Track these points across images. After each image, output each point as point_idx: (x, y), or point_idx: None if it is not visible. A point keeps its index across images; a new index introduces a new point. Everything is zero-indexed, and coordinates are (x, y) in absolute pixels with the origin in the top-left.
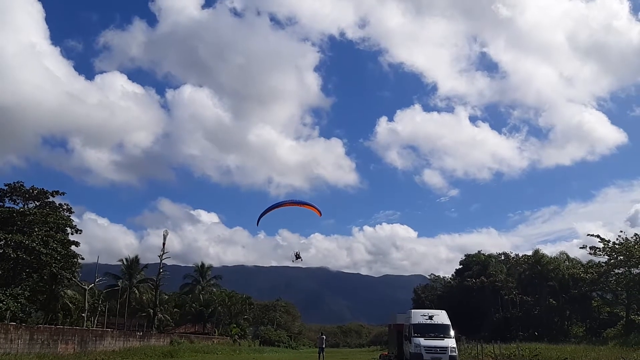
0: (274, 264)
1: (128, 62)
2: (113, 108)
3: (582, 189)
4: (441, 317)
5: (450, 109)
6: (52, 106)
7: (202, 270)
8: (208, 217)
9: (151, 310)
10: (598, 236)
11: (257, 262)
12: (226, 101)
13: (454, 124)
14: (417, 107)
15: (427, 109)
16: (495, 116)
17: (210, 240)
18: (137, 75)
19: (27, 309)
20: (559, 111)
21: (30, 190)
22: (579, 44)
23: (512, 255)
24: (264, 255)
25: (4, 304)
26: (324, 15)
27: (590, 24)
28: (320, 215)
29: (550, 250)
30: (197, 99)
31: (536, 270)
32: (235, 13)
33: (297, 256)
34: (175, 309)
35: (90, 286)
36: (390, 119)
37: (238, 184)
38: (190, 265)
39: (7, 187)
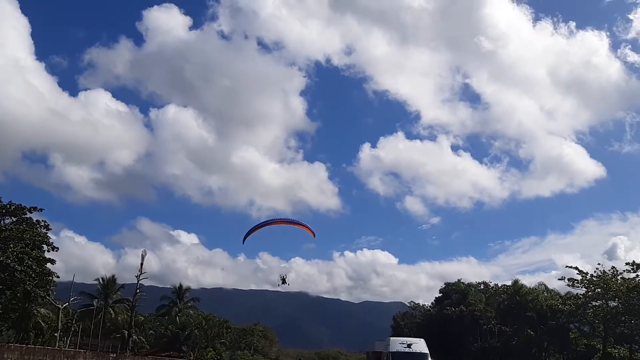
0: (253, 287)
1: (113, 80)
2: (96, 125)
3: (561, 220)
4: (419, 345)
5: (432, 138)
6: (34, 121)
7: (179, 291)
8: (188, 238)
9: (126, 332)
10: (576, 268)
11: (236, 284)
12: (210, 122)
13: (436, 153)
14: (400, 134)
15: (410, 136)
16: (477, 146)
17: (189, 261)
18: (121, 93)
19: None
20: (540, 143)
21: (8, 206)
22: (559, 79)
23: (492, 284)
24: (243, 278)
25: None
26: (310, 41)
27: (571, 59)
28: (314, 236)
29: (529, 281)
30: (181, 119)
31: (515, 301)
32: (223, 36)
33: (284, 280)
34: (151, 331)
35: (65, 305)
36: (374, 146)
37: (219, 205)
38: (168, 287)
39: None
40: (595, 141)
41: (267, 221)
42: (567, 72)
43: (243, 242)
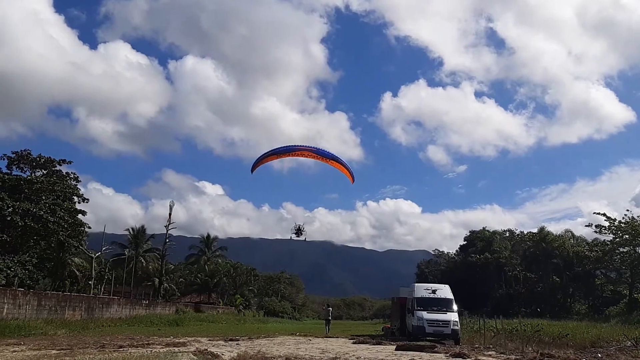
0: (278, 236)
1: (131, 31)
2: (117, 78)
3: (591, 167)
4: (444, 291)
5: (455, 84)
6: (58, 75)
7: (207, 241)
8: (213, 189)
9: (157, 280)
10: (604, 214)
11: (261, 234)
12: (230, 72)
13: (459, 100)
14: (422, 82)
15: (432, 84)
16: (502, 92)
17: (215, 211)
18: (140, 44)
19: (35, 275)
20: (566, 88)
21: (38, 159)
22: (587, 20)
23: (517, 232)
24: (268, 227)
25: (12, 271)
26: None
27: None
28: (353, 182)
29: (554, 229)
30: (200, 70)
31: (541, 248)
32: None
33: (299, 231)
34: (181, 279)
35: (97, 254)
36: (395, 95)
37: (241, 156)
38: (196, 236)
39: (14, 155)
40: (624, 85)
41: (290, 148)
42: (595, 13)
43: (252, 171)
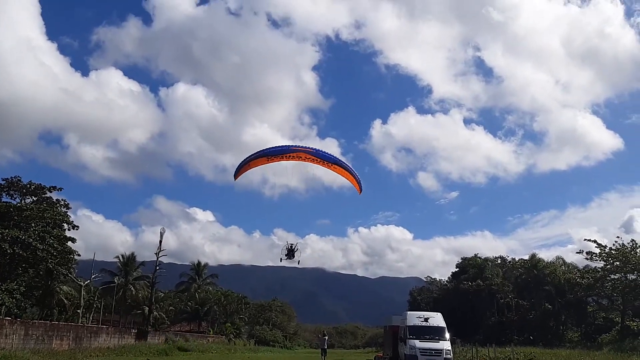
0: (270, 263)
1: (123, 58)
2: (109, 105)
3: (581, 193)
4: (436, 319)
5: (445, 111)
6: (49, 102)
7: (198, 268)
8: (204, 216)
9: (147, 308)
10: (595, 241)
11: (253, 261)
12: (222, 100)
13: (448, 126)
14: (411, 109)
15: (422, 111)
16: (490, 120)
17: (206, 238)
18: (132, 72)
19: (23, 304)
20: (554, 116)
21: (28, 186)
22: (573, 50)
23: (509, 259)
24: (259, 254)
25: None
26: (319, 15)
27: (584, 29)
28: (360, 192)
29: (545, 255)
30: (192, 97)
31: (532, 275)
32: (231, 12)
33: (291, 252)
34: (171, 307)
35: (86, 282)
36: (385, 122)
37: (233, 183)
38: (187, 264)
39: (4, 181)
40: (611, 113)
41: (282, 148)
42: (581, 43)
43: (236, 177)
